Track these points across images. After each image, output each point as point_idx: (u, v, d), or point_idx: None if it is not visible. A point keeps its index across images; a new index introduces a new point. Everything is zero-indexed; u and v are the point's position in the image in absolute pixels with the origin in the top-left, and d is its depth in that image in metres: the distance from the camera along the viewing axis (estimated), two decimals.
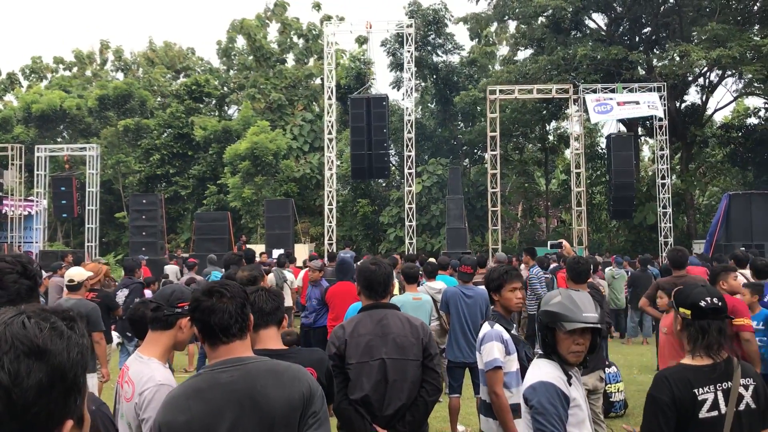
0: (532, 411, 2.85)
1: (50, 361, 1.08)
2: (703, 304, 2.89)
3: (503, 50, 36.46)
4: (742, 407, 2.83)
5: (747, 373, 2.90)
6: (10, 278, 2.47)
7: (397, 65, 32.07)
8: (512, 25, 33.60)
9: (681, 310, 2.97)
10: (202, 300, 2.37)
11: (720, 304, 2.91)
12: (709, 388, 2.81)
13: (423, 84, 34.56)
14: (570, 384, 2.91)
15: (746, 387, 2.87)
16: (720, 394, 2.81)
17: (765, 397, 2.90)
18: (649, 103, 22.81)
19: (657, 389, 2.84)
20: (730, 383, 2.83)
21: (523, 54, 32.99)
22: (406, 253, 21.45)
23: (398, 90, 34.05)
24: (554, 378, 2.87)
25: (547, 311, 2.94)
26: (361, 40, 36.19)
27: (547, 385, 2.85)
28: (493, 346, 3.87)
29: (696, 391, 2.79)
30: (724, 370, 2.85)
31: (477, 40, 34.62)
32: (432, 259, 10.66)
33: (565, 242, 7.04)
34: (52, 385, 1.08)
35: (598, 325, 2.88)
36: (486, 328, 4.02)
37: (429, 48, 32.53)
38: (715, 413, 2.79)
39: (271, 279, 10.85)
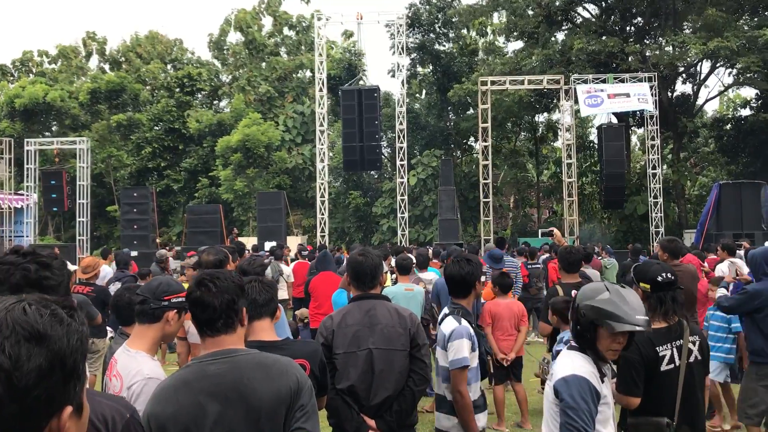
0: (562, 404, 2.82)
1: (50, 347, 1.10)
2: (659, 279, 3.50)
3: (492, 37, 36.45)
4: (691, 359, 3.46)
5: (694, 332, 3.54)
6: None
7: (399, 50, 32.09)
8: (501, 16, 33.53)
9: (641, 284, 3.56)
10: (193, 290, 2.36)
11: (673, 278, 3.52)
12: (667, 346, 3.41)
13: (422, 71, 34.51)
14: (603, 381, 2.91)
15: (693, 343, 3.50)
16: (675, 350, 3.42)
17: (706, 349, 3.60)
18: (639, 96, 22.79)
19: (628, 350, 3.24)
20: (681, 341, 3.45)
21: (513, 45, 33.06)
22: (399, 244, 21.50)
23: (400, 73, 34.08)
24: (587, 373, 2.86)
25: (595, 308, 2.88)
26: (349, 33, 36.11)
27: (580, 379, 2.83)
28: (463, 343, 3.70)
29: (658, 348, 3.39)
30: (677, 330, 3.47)
31: (468, 30, 34.49)
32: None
33: (555, 230, 7.06)
34: (52, 370, 1.10)
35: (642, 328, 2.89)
36: (452, 323, 3.79)
37: (433, 36, 32.48)
38: (672, 366, 3.39)
39: (267, 272, 10.88)
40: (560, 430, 2.83)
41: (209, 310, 2.31)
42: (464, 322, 3.80)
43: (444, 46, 33.07)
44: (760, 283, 5.68)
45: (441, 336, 3.83)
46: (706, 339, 3.62)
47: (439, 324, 3.91)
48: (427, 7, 32.06)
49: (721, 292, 6.11)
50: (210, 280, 2.36)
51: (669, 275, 3.51)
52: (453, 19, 32.23)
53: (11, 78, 41.91)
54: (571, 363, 2.91)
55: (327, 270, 8.27)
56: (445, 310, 3.97)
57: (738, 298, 5.74)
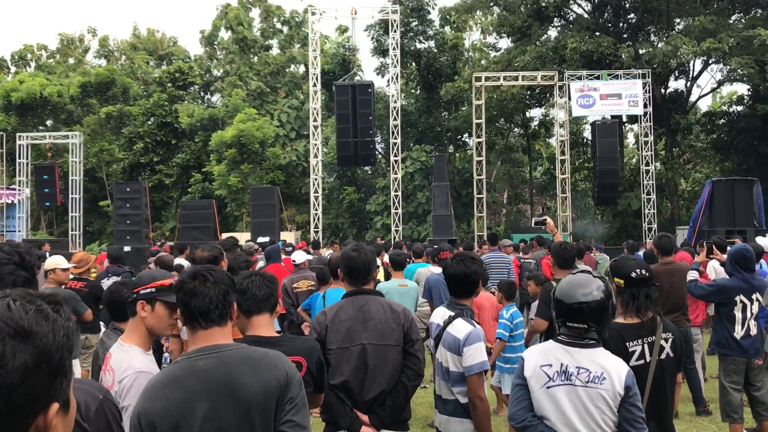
0: (633, 399, 2.82)
1: (36, 343, 1.08)
2: (633, 274, 3.52)
3: (475, 35, 36.43)
4: (663, 356, 3.47)
5: (667, 329, 3.55)
6: (6, 269, 2.43)
7: (381, 51, 31.92)
8: (490, 13, 33.47)
9: (615, 279, 3.60)
10: (186, 282, 2.37)
11: (647, 274, 3.53)
12: (637, 342, 3.43)
13: (406, 71, 34.45)
14: None
15: (666, 340, 3.50)
16: (646, 346, 3.44)
17: (680, 347, 3.59)
18: (630, 99, 23.04)
19: None
20: (653, 337, 3.47)
21: (505, 42, 32.97)
22: (393, 240, 21.49)
23: (383, 77, 33.95)
24: None
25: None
26: (343, 28, 35.99)
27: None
28: (480, 347, 3.60)
29: (627, 344, 3.40)
30: (650, 327, 3.49)
31: (448, 25, 34.41)
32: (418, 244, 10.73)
33: (548, 219, 6.96)
34: (38, 366, 1.08)
35: None
36: (465, 326, 3.65)
37: (411, 34, 32.42)
38: (641, 362, 3.40)
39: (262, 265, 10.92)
40: (637, 424, 2.79)
41: (206, 300, 2.32)
42: (476, 324, 3.72)
43: (424, 44, 32.96)
44: (729, 279, 5.84)
45: (452, 339, 3.66)
46: (680, 336, 3.64)
47: (446, 326, 3.74)
48: (398, 7, 32.01)
49: (693, 275, 6.18)
50: (207, 271, 2.40)
51: (643, 271, 3.53)
52: (447, 16, 32.18)
53: (8, 71, 41.69)
54: (614, 358, 2.92)
55: (276, 262, 9.32)
56: (448, 311, 3.83)
57: (707, 289, 5.93)
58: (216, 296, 2.34)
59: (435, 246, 11.51)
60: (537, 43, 28.03)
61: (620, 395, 2.80)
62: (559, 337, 2.98)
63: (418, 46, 32.56)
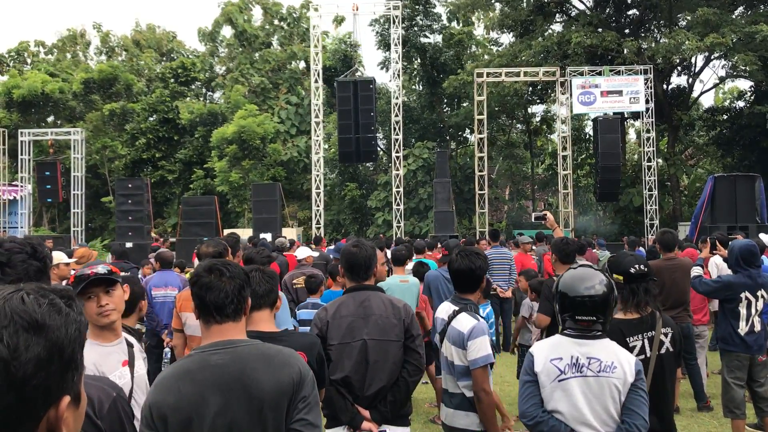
0: (642, 383, 2.90)
1: (48, 336, 1.10)
2: (632, 270, 3.54)
3: (479, 30, 36.38)
4: (663, 351, 3.49)
5: (666, 324, 3.58)
6: (18, 257, 2.45)
7: (384, 45, 31.87)
8: (493, 9, 33.42)
9: (615, 276, 3.57)
10: (202, 276, 2.37)
11: (646, 269, 3.57)
12: (637, 337, 3.47)
13: (410, 66, 34.42)
14: None
15: (666, 335, 3.53)
16: (646, 341, 3.47)
17: (679, 341, 3.62)
18: (631, 96, 23.04)
19: None
20: (653, 332, 3.50)
21: (507, 37, 32.95)
22: (394, 236, 21.49)
23: (386, 71, 33.88)
24: None
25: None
26: (339, 18, 35.80)
27: None
28: (485, 340, 3.60)
29: (627, 339, 3.41)
30: (649, 322, 3.52)
31: (456, 20, 34.38)
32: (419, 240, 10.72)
33: (548, 214, 6.91)
34: (50, 359, 1.09)
35: None
36: (469, 320, 3.65)
37: (416, 29, 32.38)
38: (642, 357, 3.39)
39: None
40: (642, 406, 2.87)
41: (221, 294, 2.32)
42: (480, 318, 3.73)
43: (429, 38, 32.92)
44: (734, 275, 5.83)
45: (456, 333, 3.66)
46: (679, 331, 3.69)
47: (451, 320, 3.75)
48: (401, 2, 32.03)
49: (697, 271, 6.19)
50: (223, 266, 2.39)
51: (642, 267, 3.57)
52: (436, 7, 32.16)
53: (7, 68, 41.66)
54: (622, 348, 3.01)
55: None
56: (453, 305, 3.84)
57: (712, 285, 5.96)
58: (231, 291, 2.34)
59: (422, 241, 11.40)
60: (540, 38, 27.98)
61: (630, 382, 2.87)
62: (566, 332, 2.99)
63: (423, 40, 32.53)
